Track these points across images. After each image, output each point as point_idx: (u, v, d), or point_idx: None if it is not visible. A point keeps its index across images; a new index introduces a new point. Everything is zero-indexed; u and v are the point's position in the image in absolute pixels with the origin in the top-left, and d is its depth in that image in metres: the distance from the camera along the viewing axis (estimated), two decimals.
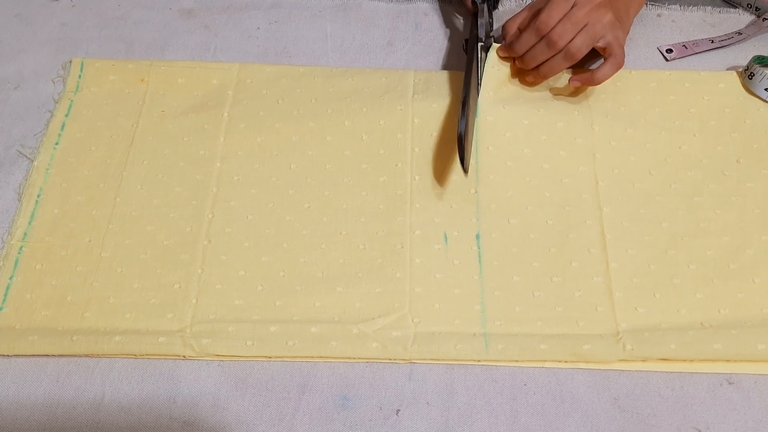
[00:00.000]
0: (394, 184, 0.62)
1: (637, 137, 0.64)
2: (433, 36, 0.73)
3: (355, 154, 0.64)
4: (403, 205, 0.61)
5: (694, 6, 0.74)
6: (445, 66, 0.71)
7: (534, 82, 0.66)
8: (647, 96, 0.67)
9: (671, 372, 0.53)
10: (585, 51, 0.62)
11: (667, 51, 0.71)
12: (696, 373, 0.53)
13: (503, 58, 0.66)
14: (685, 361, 0.53)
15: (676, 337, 0.53)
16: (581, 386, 0.53)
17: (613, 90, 0.67)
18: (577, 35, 0.62)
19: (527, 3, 0.75)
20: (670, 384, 0.53)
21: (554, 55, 0.63)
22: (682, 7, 0.74)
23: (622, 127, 0.65)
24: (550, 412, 0.52)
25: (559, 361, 0.53)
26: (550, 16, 0.62)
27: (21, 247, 0.59)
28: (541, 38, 0.63)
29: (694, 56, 0.71)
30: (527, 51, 0.64)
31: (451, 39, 0.73)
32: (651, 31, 0.73)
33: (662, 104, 0.67)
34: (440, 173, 0.63)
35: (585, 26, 0.62)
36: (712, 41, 0.71)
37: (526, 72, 0.66)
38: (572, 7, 0.62)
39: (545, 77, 0.65)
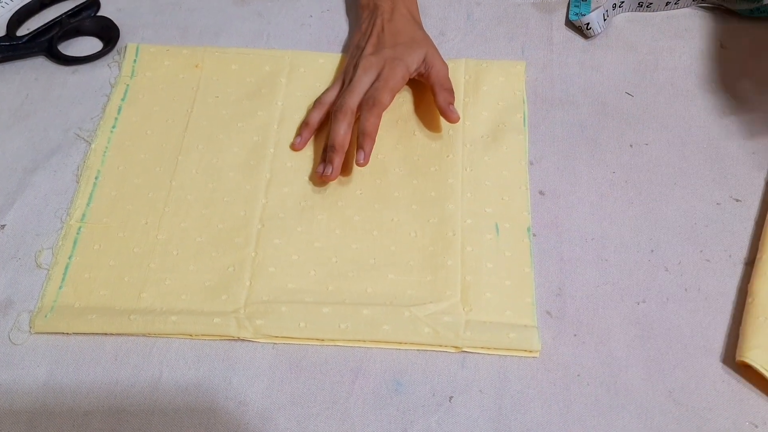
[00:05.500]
0: (446, 173, 0.62)
1: None
2: (485, 26, 0.73)
3: (407, 147, 0.64)
4: (454, 193, 0.61)
5: None
6: (497, 56, 0.70)
7: None
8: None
9: (727, 365, 0.53)
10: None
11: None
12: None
13: None
14: None
15: None
16: (635, 378, 0.52)
17: None
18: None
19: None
20: (727, 378, 0.52)
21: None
22: None
23: None
24: (604, 403, 0.51)
25: None
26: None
27: (79, 228, 0.60)
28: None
29: None
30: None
31: (503, 28, 0.73)
32: None
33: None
34: (491, 167, 0.63)
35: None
36: None
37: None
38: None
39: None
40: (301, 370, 0.53)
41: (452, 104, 0.64)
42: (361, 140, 0.61)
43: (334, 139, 0.61)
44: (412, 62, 0.64)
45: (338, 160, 0.61)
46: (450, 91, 0.64)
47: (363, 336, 0.54)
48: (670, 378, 0.52)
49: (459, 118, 0.64)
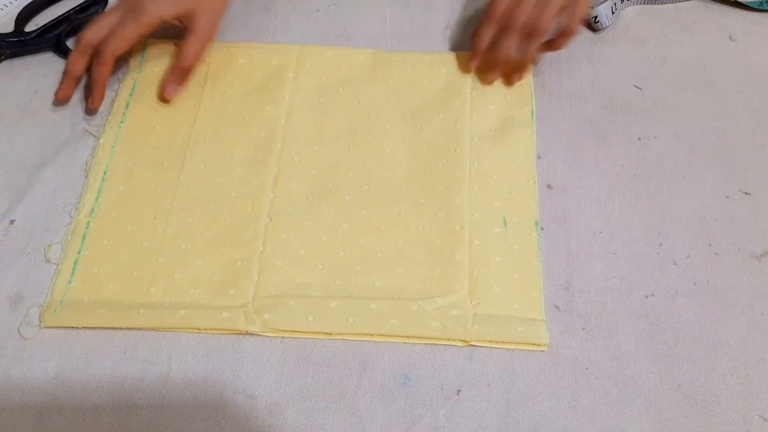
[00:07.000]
0: (453, 167, 0.62)
1: None
2: None
3: (414, 142, 0.64)
4: (462, 187, 0.61)
5: None
6: None
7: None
8: None
9: (737, 360, 0.52)
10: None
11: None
12: (762, 360, 0.52)
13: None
14: None
15: None
16: (644, 371, 0.52)
17: None
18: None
19: None
20: (736, 372, 0.52)
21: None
22: None
23: None
24: (612, 396, 0.51)
25: None
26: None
27: (88, 223, 0.60)
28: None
29: None
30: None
31: None
32: None
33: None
34: (498, 161, 0.63)
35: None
36: None
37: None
38: None
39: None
40: (310, 364, 0.53)
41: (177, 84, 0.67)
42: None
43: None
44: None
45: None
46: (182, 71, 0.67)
47: (371, 330, 0.54)
48: (679, 371, 0.52)
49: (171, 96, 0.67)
